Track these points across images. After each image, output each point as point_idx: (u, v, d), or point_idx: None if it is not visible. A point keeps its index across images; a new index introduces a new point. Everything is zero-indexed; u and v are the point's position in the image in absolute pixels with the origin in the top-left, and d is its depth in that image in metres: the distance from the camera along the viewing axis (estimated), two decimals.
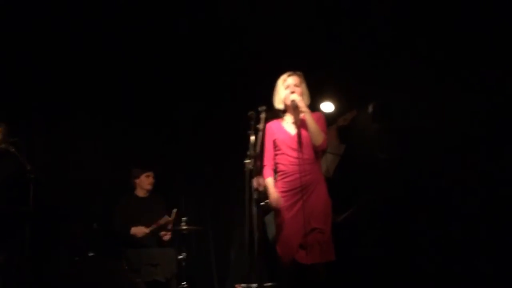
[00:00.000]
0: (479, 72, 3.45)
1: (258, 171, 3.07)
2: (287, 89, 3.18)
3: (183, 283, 4.09)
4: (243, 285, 3.85)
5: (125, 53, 4.60)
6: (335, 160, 4.08)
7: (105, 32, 4.42)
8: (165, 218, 4.28)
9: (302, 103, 3.11)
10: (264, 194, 3.72)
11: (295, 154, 3.11)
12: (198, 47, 4.63)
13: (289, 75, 3.21)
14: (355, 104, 4.23)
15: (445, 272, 3.33)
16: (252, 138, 3.11)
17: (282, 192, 3.14)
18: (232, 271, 4.83)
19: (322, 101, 4.30)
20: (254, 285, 3.64)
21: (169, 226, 4.35)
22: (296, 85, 3.17)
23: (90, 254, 3.87)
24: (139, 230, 4.28)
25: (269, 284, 3.58)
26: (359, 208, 3.66)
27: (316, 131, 3.09)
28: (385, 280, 3.57)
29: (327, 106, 4.35)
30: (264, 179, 3.20)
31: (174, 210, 4.26)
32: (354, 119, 3.98)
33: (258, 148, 3.04)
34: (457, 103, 3.47)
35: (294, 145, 3.12)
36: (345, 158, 4.08)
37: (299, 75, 3.22)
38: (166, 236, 4.42)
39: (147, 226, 4.30)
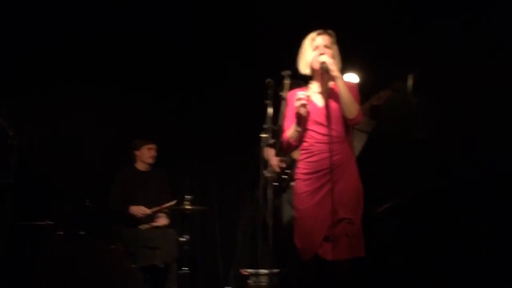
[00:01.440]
0: None
1: (280, 150, 2.58)
2: (316, 50, 2.66)
3: (184, 268, 3.68)
4: (250, 270, 3.52)
5: (126, 14, 4.11)
6: (363, 138, 3.60)
7: None
8: (171, 203, 3.90)
9: (334, 66, 2.60)
10: (281, 174, 3.30)
11: (322, 130, 2.62)
12: (205, 6, 4.11)
13: (318, 34, 2.69)
14: (385, 77, 3.70)
15: (497, 274, 2.84)
16: (270, 109, 2.64)
17: (305, 174, 2.66)
18: (238, 255, 4.44)
19: (345, 72, 3.77)
20: (263, 271, 3.31)
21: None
22: (326, 46, 2.66)
23: (81, 233, 3.45)
24: (139, 210, 3.89)
25: (279, 270, 3.19)
26: (404, 200, 3.16)
27: (349, 100, 2.60)
28: (420, 282, 3.10)
29: (352, 78, 3.83)
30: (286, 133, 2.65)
31: (173, 202, 3.88)
32: (389, 98, 3.44)
33: (281, 121, 2.53)
34: None
35: (322, 119, 2.63)
36: (374, 137, 3.57)
37: (330, 35, 2.70)
38: (160, 221, 3.99)
39: (149, 206, 3.91)
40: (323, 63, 2.60)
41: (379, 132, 3.60)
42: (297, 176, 2.71)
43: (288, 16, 3.81)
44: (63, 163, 3.99)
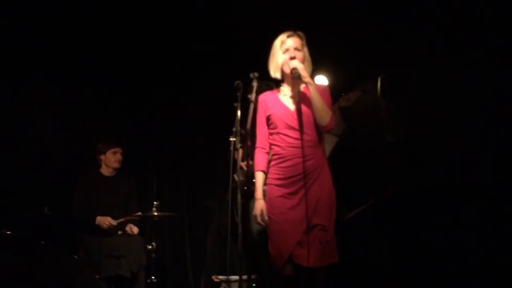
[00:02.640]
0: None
1: (249, 153, 2.51)
2: (286, 53, 2.61)
3: (152, 278, 3.55)
4: (220, 277, 3.44)
5: (89, 13, 3.95)
6: (332, 141, 3.56)
7: None
8: (137, 215, 3.77)
9: (305, 72, 2.55)
10: (251, 177, 3.22)
11: (294, 134, 2.57)
12: (173, 4, 3.99)
13: (288, 36, 2.63)
14: (355, 79, 3.69)
15: (468, 278, 2.84)
16: (239, 112, 2.57)
17: (277, 179, 2.61)
18: (209, 261, 4.34)
19: (315, 74, 3.74)
20: (233, 277, 3.25)
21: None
22: (297, 49, 2.61)
23: (41, 243, 3.26)
24: (105, 221, 3.71)
25: (251, 277, 3.12)
26: (376, 204, 3.13)
27: (322, 107, 2.56)
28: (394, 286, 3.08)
29: (320, 80, 3.80)
30: (254, 168, 2.65)
31: (139, 213, 3.77)
32: (358, 99, 3.43)
33: (249, 124, 2.47)
34: (484, 76, 2.92)
35: (294, 123, 2.59)
36: (344, 139, 3.55)
37: (300, 36, 2.65)
38: (134, 229, 3.85)
39: (115, 213, 3.76)
40: (294, 69, 2.54)
41: (349, 134, 3.58)
42: (269, 181, 2.65)
43: (258, 17, 3.75)
44: (21, 169, 3.79)
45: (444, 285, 2.92)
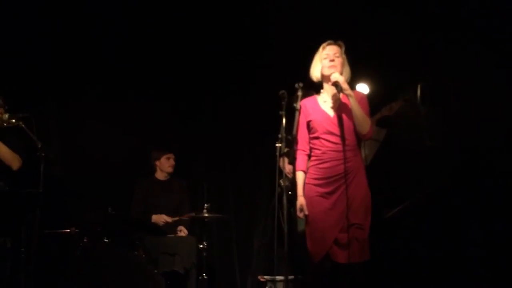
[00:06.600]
0: None
1: (294, 158, 2.69)
2: (326, 59, 2.81)
3: (203, 275, 3.78)
4: (266, 277, 3.60)
5: (142, 25, 4.30)
6: (374, 146, 3.68)
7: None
8: (191, 215, 4.02)
9: (346, 84, 2.73)
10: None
11: (334, 139, 2.75)
12: (221, 15, 4.25)
13: (328, 44, 2.85)
14: (396, 88, 3.79)
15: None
16: (284, 119, 2.75)
17: (316, 179, 2.78)
18: (255, 262, 4.53)
19: (356, 82, 3.87)
20: (279, 277, 3.39)
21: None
22: (336, 55, 2.80)
23: (105, 241, 3.58)
24: (161, 219, 4.02)
25: (296, 277, 3.26)
26: (413, 204, 3.23)
27: (362, 117, 2.73)
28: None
29: (362, 88, 3.92)
30: (296, 168, 2.83)
31: (192, 214, 4.01)
32: (400, 109, 3.55)
33: (295, 130, 2.65)
34: None
35: (334, 128, 2.76)
36: (385, 145, 3.66)
37: (340, 45, 2.85)
38: (181, 233, 4.11)
39: (169, 215, 4.05)
40: (335, 82, 2.72)
41: (389, 139, 3.68)
42: (308, 180, 2.81)
43: (302, 27, 3.94)
44: (87, 173, 4.15)
45: (483, 285, 2.96)
